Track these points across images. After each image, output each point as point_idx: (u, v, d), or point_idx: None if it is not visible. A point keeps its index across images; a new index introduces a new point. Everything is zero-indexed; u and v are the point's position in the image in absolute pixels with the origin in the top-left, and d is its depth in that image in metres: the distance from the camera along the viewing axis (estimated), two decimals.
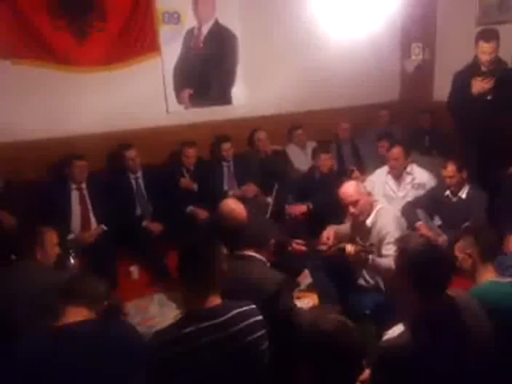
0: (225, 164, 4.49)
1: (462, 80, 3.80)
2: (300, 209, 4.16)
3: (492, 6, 4.53)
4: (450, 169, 3.46)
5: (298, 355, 1.52)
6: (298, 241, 3.19)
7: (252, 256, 2.29)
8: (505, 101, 3.63)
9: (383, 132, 4.93)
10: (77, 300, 1.78)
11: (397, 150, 3.87)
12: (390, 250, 2.68)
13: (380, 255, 2.74)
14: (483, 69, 3.73)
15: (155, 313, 3.41)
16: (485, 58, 3.67)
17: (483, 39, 3.64)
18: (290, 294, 2.29)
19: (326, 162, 4.34)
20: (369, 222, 2.86)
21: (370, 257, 2.65)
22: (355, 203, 2.83)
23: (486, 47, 3.64)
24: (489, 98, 3.69)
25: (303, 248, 3.38)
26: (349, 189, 2.88)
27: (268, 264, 2.35)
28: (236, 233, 2.98)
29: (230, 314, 1.73)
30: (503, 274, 2.60)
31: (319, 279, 3.21)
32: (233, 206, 3.13)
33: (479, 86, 3.67)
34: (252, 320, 1.77)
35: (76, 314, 1.75)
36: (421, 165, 4.00)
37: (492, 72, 3.67)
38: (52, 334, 1.69)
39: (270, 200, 4.09)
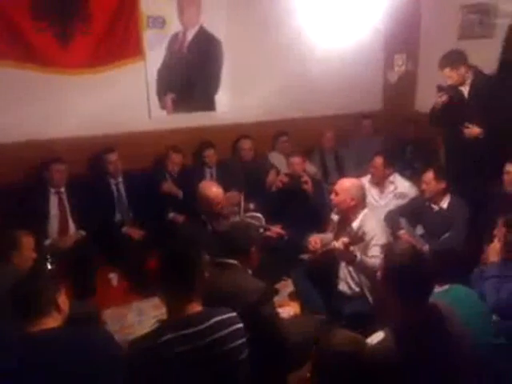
0: (208, 170, 4.46)
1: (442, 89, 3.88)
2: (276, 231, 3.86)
3: (473, 21, 4.62)
4: (428, 176, 3.50)
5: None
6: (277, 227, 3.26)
7: (233, 264, 2.26)
8: (479, 102, 3.71)
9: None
10: (31, 310, 1.69)
11: (379, 159, 3.92)
12: (376, 251, 2.72)
13: (366, 256, 2.74)
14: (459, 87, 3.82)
15: (134, 321, 3.36)
16: (448, 82, 3.78)
17: (438, 66, 3.75)
18: (271, 302, 2.27)
19: (295, 166, 4.26)
20: (355, 225, 2.89)
21: (358, 254, 2.66)
22: (337, 193, 2.94)
23: (443, 73, 3.74)
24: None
25: (280, 231, 3.42)
26: (347, 182, 3.00)
27: (250, 271, 2.33)
28: (212, 213, 3.02)
29: (209, 322, 1.70)
30: (482, 285, 2.63)
31: (303, 287, 3.20)
32: (211, 187, 3.28)
33: (436, 100, 3.81)
34: (232, 328, 1.74)
35: (40, 323, 1.68)
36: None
37: (443, 87, 3.79)
38: (19, 343, 1.63)
39: (252, 206, 4.07)
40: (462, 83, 3.76)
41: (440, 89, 3.81)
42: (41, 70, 3.90)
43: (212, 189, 3.27)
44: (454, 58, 3.72)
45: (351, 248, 2.63)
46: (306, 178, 4.09)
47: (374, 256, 2.69)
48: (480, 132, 3.65)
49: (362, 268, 2.75)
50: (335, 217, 3.17)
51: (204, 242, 2.45)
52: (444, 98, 3.76)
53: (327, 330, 1.75)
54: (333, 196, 2.99)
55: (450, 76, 3.74)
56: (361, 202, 2.93)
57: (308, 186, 4.04)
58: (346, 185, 2.95)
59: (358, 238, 2.67)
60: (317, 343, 1.55)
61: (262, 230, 3.55)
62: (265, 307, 2.11)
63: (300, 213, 3.98)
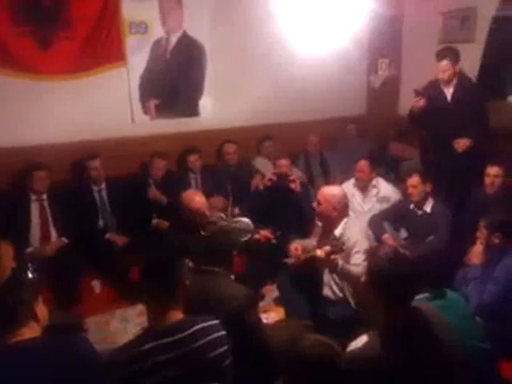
0: (192, 176, 4.44)
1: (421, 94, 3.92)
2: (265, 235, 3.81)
3: (454, 26, 4.68)
4: (414, 179, 3.53)
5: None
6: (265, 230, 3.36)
7: (217, 271, 2.24)
8: (462, 107, 3.76)
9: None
10: (7, 321, 1.65)
11: (363, 163, 3.94)
12: (358, 258, 2.73)
13: (348, 264, 2.74)
14: (441, 86, 3.87)
15: (117, 328, 3.32)
16: (440, 76, 3.81)
17: (435, 58, 3.81)
18: (255, 309, 2.25)
19: (282, 168, 4.20)
20: (337, 232, 2.89)
21: (340, 263, 2.66)
22: (319, 203, 2.93)
23: (437, 66, 3.80)
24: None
25: (269, 235, 3.42)
26: (329, 190, 2.97)
27: (233, 277, 2.31)
28: (194, 222, 3.02)
29: (191, 330, 1.69)
30: (465, 286, 2.65)
31: (287, 293, 3.19)
32: (194, 196, 3.28)
33: (413, 104, 3.87)
34: (214, 336, 1.73)
35: (18, 334, 1.64)
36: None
37: (420, 92, 3.85)
38: None
39: (237, 211, 4.06)
40: (450, 81, 3.80)
41: (417, 93, 3.84)
42: (22, 75, 3.85)
43: (195, 199, 3.25)
44: (455, 52, 3.76)
45: (333, 256, 2.63)
46: (293, 176, 4.09)
47: (356, 264, 2.69)
48: (471, 143, 3.69)
49: (344, 276, 2.76)
50: (320, 222, 3.17)
51: (190, 250, 2.42)
52: (421, 102, 3.80)
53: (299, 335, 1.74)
54: (315, 205, 2.98)
55: (445, 69, 3.76)
56: (343, 211, 2.93)
57: (296, 185, 4.04)
58: (328, 194, 2.93)
59: (340, 248, 2.65)
60: (287, 349, 1.54)
61: (249, 235, 3.53)
62: (249, 314, 2.09)
63: (286, 215, 3.97)
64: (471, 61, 4.23)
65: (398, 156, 5.01)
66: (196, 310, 1.79)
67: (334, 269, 2.71)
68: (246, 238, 3.40)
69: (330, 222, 2.94)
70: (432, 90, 3.90)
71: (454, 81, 3.82)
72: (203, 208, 3.24)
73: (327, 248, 2.64)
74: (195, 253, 2.33)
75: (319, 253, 2.64)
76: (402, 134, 5.00)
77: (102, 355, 1.73)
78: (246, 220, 3.60)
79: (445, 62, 3.76)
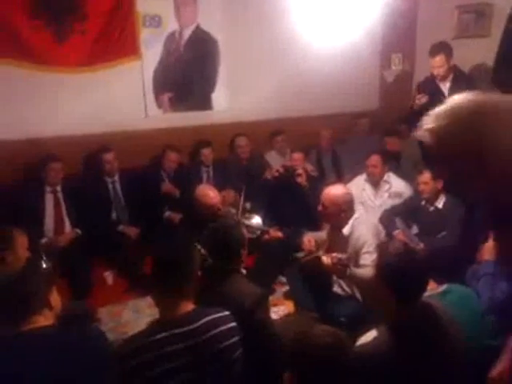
0: (204, 169, 4.46)
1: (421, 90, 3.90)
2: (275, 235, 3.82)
3: (469, 20, 4.63)
4: (426, 176, 3.51)
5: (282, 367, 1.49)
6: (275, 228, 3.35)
7: (230, 269, 2.20)
8: None
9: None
10: (22, 309, 1.69)
11: (375, 157, 3.92)
12: (367, 259, 2.68)
13: (357, 265, 2.73)
14: (437, 82, 3.86)
15: (129, 319, 3.36)
16: (436, 71, 3.80)
17: (429, 54, 3.79)
18: (266, 308, 2.23)
19: (295, 162, 4.27)
20: (346, 230, 2.85)
21: (348, 270, 2.62)
22: (324, 205, 2.85)
23: (432, 62, 3.78)
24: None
25: (279, 234, 3.42)
26: (333, 192, 2.86)
27: (244, 271, 2.32)
28: (207, 217, 3.03)
29: (201, 321, 1.70)
30: (476, 283, 2.63)
31: (296, 286, 3.20)
32: (208, 191, 3.27)
33: (415, 101, 3.82)
34: (224, 327, 1.74)
35: (32, 322, 1.68)
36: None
37: (422, 87, 3.84)
38: (11, 342, 1.63)
39: (248, 206, 4.07)
40: (446, 77, 3.77)
41: (419, 88, 3.81)
42: (37, 68, 3.89)
43: (209, 194, 3.26)
44: (448, 47, 3.74)
45: (340, 256, 2.60)
46: (300, 171, 4.09)
47: (365, 265, 2.66)
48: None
49: (351, 281, 2.75)
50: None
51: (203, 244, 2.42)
52: (424, 99, 3.76)
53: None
54: (320, 208, 2.89)
55: (440, 65, 3.75)
56: (350, 210, 2.87)
57: (302, 179, 4.04)
58: (333, 197, 2.84)
59: (345, 265, 2.58)
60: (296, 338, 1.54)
61: (258, 233, 3.54)
62: (259, 313, 2.07)
63: (295, 209, 3.98)
64: (486, 56, 4.18)
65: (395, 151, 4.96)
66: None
67: (342, 275, 2.70)
68: (254, 236, 3.43)
69: (339, 223, 2.88)
70: (429, 87, 3.87)
71: (450, 76, 3.79)
72: (217, 203, 3.25)
73: (334, 255, 2.61)
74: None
75: (325, 260, 2.62)
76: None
77: (113, 344, 1.76)
78: (257, 219, 3.61)
79: (439, 58, 3.74)
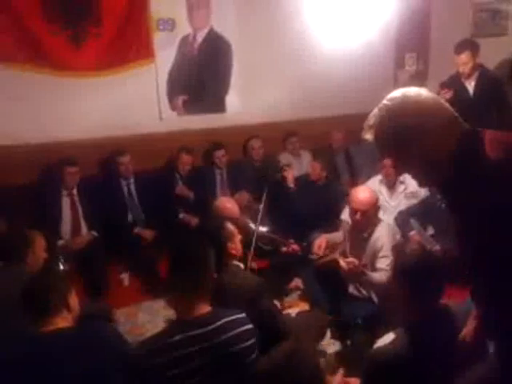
0: (218, 171, 4.47)
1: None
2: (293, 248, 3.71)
3: (485, 19, 4.59)
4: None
5: None
6: (292, 241, 3.28)
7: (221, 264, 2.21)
8: (484, 101, 3.70)
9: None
10: (42, 310, 1.71)
11: (388, 159, 3.87)
12: (383, 263, 2.67)
13: (374, 268, 2.72)
14: (462, 79, 3.81)
15: (145, 321, 3.38)
16: (461, 69, 3.75)
17: (454, 52, 3.75)
18: (268, 296, 2.26)
19: (312, 170, 4.26)
20: (366, 233, 2.83)
21: (363, 277, 2.63)
22: (364, 212, 2.73)
23: (457, 59, 3.74)
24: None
25: (297, 248, 3.40)
26: (365, 196, 2.75)
27: (242, 266, 2.35)
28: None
29: (219, 323, 1.70)
30: None
31: (311, 287, 3.19)
32: (226, 204, 3.23)
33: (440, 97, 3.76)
34: (241, 329, 1.73)
35: (51, 323, 1.70)
36: None
37: (447, 84, 3.79)
38: (31, 343, 1.65)
39: (261, 207, 4.06)
40: (472, 75, 3.73)
41: (443, 86, 3.78)
42: (53, 72, 3.94)
43: (227, 206, 3.22)
44: (475, 45, 3.70)
45: (358, 262, 2.59)
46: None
47: (381, 269, 2.65)
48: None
49: (367, 285, 2.74)
50: (344, 216, 3.14)
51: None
52: (449, 94, 3.71)
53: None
54: (358, 217, 2.73)
55: (466, 62, 3.70)
56: (378, 211, 2.87)
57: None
58: (367, 202, 2.72)
59: (361, 271, 2.58)
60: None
61: (274, 246, 3.51)
62: (262, 301, 2.10)
63: (310, 211, 3.96)
64: (505, 55, 4.13)
65: None
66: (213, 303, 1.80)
67: (358, 280, 2.69)
68: (270, 248, 3.43)
69: (368, 226, 2.82)
70: (453, 85, 3.82)
71: (476, 74, 3.74)
72: (235, 216, 3.21)
73: (350, 260, 2.59)
74: None
75: (342, 263, 2.60)
76: None
77: (130, 344, 1.77)
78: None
79: (464, 55, 3.69)
